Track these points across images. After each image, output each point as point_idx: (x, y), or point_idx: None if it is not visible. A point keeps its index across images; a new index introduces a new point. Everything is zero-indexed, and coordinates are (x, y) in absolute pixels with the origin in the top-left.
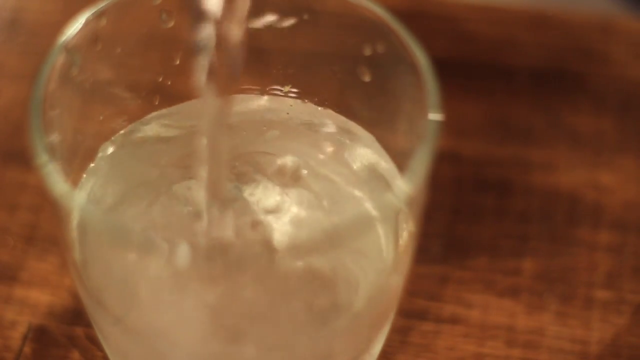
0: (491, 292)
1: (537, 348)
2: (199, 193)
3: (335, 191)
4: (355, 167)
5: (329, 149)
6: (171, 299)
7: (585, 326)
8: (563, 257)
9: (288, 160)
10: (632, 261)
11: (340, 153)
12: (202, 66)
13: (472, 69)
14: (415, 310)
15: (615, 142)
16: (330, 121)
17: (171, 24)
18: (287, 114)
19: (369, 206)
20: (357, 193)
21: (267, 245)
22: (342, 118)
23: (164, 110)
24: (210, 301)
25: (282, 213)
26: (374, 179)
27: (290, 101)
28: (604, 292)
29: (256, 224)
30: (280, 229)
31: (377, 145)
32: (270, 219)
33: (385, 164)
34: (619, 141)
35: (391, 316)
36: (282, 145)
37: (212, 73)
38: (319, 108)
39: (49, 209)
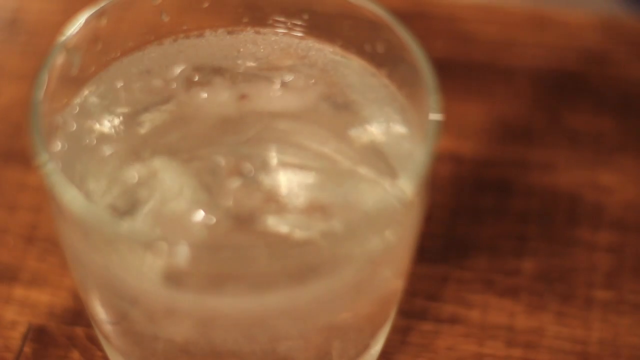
0: (491, 292)
1: (537, 348)
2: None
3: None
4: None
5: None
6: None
7: (585, 326)
8: (563, 257)
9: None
10: (632, 261)
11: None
12: None
13: (472, 69)
14: (415, 310)
15: (615, 142)
16: None
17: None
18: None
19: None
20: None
21: None
22: None
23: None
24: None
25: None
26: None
27: None
28: (604, 292)
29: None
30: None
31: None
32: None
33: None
34: (619, 141)
35: (391, 316)
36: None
37: None
38: None
39: (49, 209)
